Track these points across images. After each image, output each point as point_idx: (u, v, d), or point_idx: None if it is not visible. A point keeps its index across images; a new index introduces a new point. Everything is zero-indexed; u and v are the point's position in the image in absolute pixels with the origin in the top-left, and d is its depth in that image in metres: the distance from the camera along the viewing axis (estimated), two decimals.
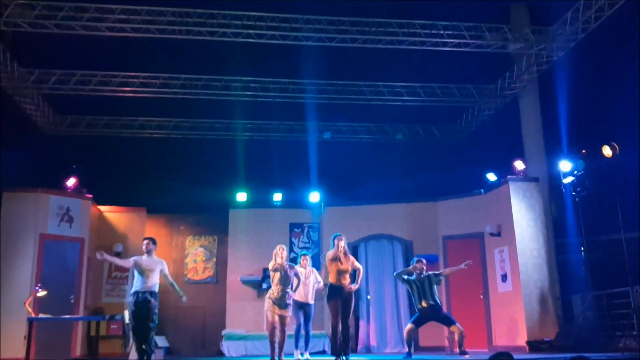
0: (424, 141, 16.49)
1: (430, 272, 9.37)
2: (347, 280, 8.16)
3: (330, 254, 8.27)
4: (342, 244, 8.21)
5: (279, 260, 8.30)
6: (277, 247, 8.42)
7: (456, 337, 9.03)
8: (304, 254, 9.66)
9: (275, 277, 8.27)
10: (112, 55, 12.95)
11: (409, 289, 9.35)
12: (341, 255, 8.16)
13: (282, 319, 8.21)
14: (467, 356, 8.72)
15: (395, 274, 9.90)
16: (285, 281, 8.22)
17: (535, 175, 12.37)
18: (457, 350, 9.19)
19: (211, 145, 15.69)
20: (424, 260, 9.47)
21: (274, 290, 8.20)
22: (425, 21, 11.79)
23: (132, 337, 8.41)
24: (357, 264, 8.42)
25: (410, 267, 9.50)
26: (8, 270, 11.22)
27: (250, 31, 11.62)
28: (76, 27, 11.21)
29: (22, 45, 12.10)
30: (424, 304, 9.05)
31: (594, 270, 10.95)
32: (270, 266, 8.34)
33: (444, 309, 10.67)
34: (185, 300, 8.47)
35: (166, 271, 8.52)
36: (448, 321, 9.11)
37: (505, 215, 11.87)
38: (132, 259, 8.48)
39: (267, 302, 8.21)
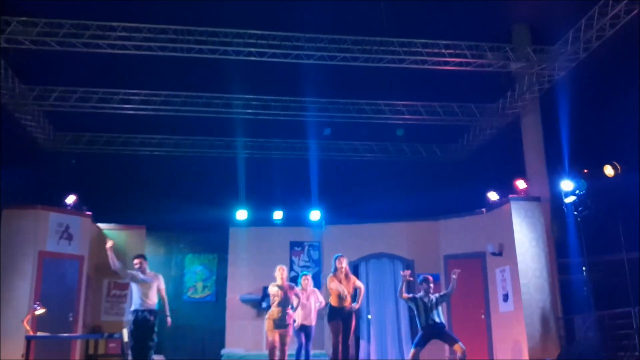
0: (425, 160, 16.46)
1: (437, 294, 9.18)
2: (348, 302, 8.12)
3: (332, 284, 8.20)
4: (344, 265, 8.17)
5: (278, 282, 8.27)
6: (277, 268, 8.39)
7: (458, 355, 8.91)
8: (305, 274, 9.58)
9: (275, 299, 8.23)
10: (113, 73, 12.95)
11: (414, 308, 9.06)
12: (342, 277, 8.12)
13: (283, 338, 8.17)
14: None
15: (398, 294, 9.48)
16: (285, 303, 8.18)
17: (537, 195, 12.33)
18: None
19: (212, 163, 15.65)
20: (430, 278, 9.23)
21: (274, 311, 8.15)
22: (426, 40, 11.81)
23: (130, 356, 8.33)
24: (358, 283, 8.37)
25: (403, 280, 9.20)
26: (7, 287, 11.13)
27: (252, 49, 11.64)
28: (78, 45, 11.23)
29: (23, 62, 12.10)
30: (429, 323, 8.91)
31: (596, 291, 10.85)
32: (270, 290, 8.29)
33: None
34: (169, 322, 8.48)
35: (162, 286, 8.50)
36: (451, 340, 8.95)
37: (507, 234, 11.81)
38: (128, 271, 8.47)
39: (267, 323, 8.16)
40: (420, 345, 8.86)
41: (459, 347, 8.75)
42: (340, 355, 8.14)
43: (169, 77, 13.25)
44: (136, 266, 8.50)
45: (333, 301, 8.13)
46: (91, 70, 12.82)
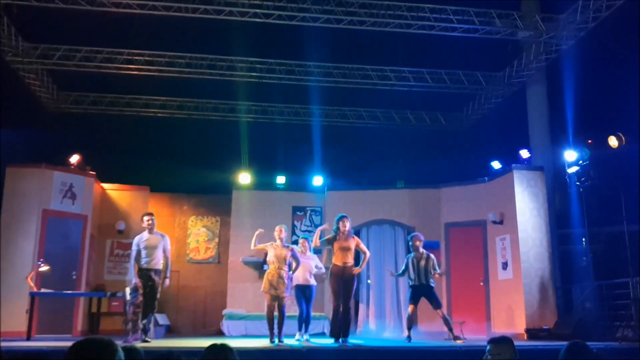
0: (430, 128, 16.42)
1: (432, 257, 9.39)
2: (349, 259, 8.16)
3: (329, 237, 8.30)
4: (347, 227, 8.22)
5: (277, 242, 8.31)
6: (277, 228, 8.43)
7: (442, 321, 9.15)
8: (304, 238, 9.62)
9: (269, 254, 8.26)
10: (118, 32, 12.86)
11: (409, 265, 9.38)
12: (342, 236, 8.18)
13: (280, 299, 8.20)
14: (459, 341, 8.75)
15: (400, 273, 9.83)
16: (280, 259, 8.19)
17: (540, 164, 12.33)
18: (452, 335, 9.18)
19: (215, 126, 15.64)
20: (418, 235, 9.55)
21: (271, 269, 8.20)
22: (434, 5, 11.69)
23: (130, 312, 8.41)
24: (363, 247, 8.42)
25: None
26: (11, 245, 11.22)
27: (257, 10, 11.52)
28: (82, 2, 11.13)
29: (27, 20, 12.00)
30: (415, 282, 9.19)
31: (595, 261, 10.92)
32: (267, 250, 8.32)
33: (444, 295, 10.72)
34: (167, 284, 8.55)
35: (168, 246, 8.54)
36: (436, 303, 9.19)
37: (509, 203, 11.84)
38: (133, 243, 8.48)
39: (265, 284, 8.20)
40: (414, 301, 9.14)
41: (440, 312, 9.01)
42: (339, 317, 8.22)
43: (174, 37, 13.17)
44: (145, 224, 8.48)
45: (335, 258, 8.20)
46: (96, 29, 12.73)
